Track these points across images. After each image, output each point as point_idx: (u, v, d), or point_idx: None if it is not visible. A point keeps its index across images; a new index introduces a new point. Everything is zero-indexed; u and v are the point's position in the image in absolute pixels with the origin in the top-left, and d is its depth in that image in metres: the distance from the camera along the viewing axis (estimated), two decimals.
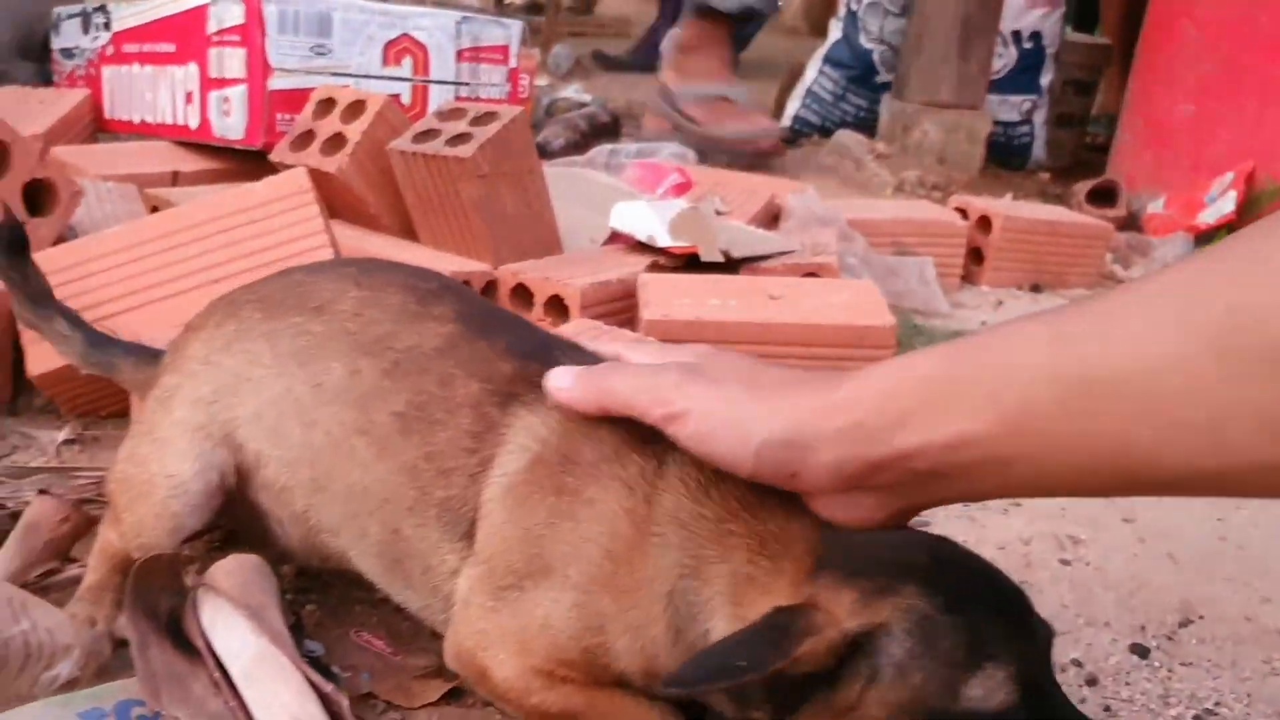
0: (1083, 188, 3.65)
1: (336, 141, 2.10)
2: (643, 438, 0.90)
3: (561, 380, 0.93)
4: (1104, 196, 3.61)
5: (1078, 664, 1.25)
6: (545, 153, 4.42)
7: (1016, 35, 4.36)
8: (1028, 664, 0.80)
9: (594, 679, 0.94)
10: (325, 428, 1.01)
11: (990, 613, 0.82)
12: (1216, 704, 1.20)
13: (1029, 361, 0.73)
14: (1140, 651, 1.29)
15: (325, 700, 0.86)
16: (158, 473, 1.05)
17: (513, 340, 1.01)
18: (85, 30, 2.79)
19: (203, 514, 1.06)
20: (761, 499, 0.88)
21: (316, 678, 0.87)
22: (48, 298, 1.29)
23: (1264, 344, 0.63)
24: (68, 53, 2.89)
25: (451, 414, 0.97)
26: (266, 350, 1.04)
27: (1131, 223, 3.58)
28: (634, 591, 0.89)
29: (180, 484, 1.05)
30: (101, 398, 1.55)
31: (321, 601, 1.20)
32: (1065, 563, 1.48)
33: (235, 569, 1.00)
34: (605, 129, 4.10)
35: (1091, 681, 1.22)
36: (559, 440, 0.93)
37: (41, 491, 1.23)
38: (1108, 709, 1.18)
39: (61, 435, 1.52)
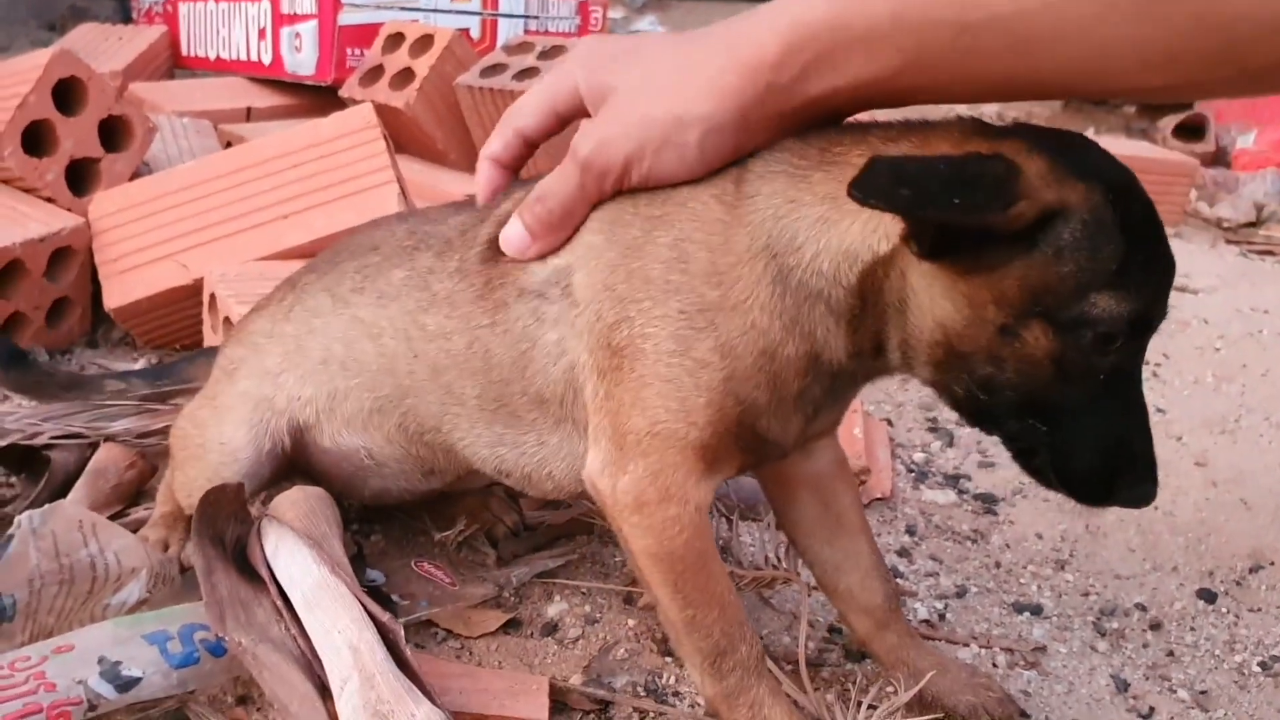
0: (1169, 122, 3.53)
1: (405, 77, 2.10)
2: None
3: (512, 237, 0.94)
4: (1192, 131, 3.49)
5: (1142, 608, 1.24)
6: None
7: None
8: (1148, 321, 0.80)
9: (719, 434, 0.87)
10: (392, 328, 1.01)
11: (1150, 253, 0.79)
12: None
13: (918, 5, 0.77)
14: (1207, 597, 1.27)
15: (381, 628, 0.88)
16: (213, 438, 1.08)
17: None
18: None
19: (252, 482, 1.07)
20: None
21: (374, 607, 0.89)
22: (79, 377, 1.35)
23: None
24: None
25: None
26: (327, 300, 1.06)
27: (1220, 158, 3.46)
28: (735, 266, 0.84)
29: (232, 451, 1.07)
30: (177, 331, 1.59)
31: (386, 532, 1.23)
32: None
33: (300, 499, 1.02)
34: None
35: (1155, 626, 1.21)
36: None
37: (108, 438, 1.27)
38: (1171, 654, 1.16)
39: (138, 368, 1.56)
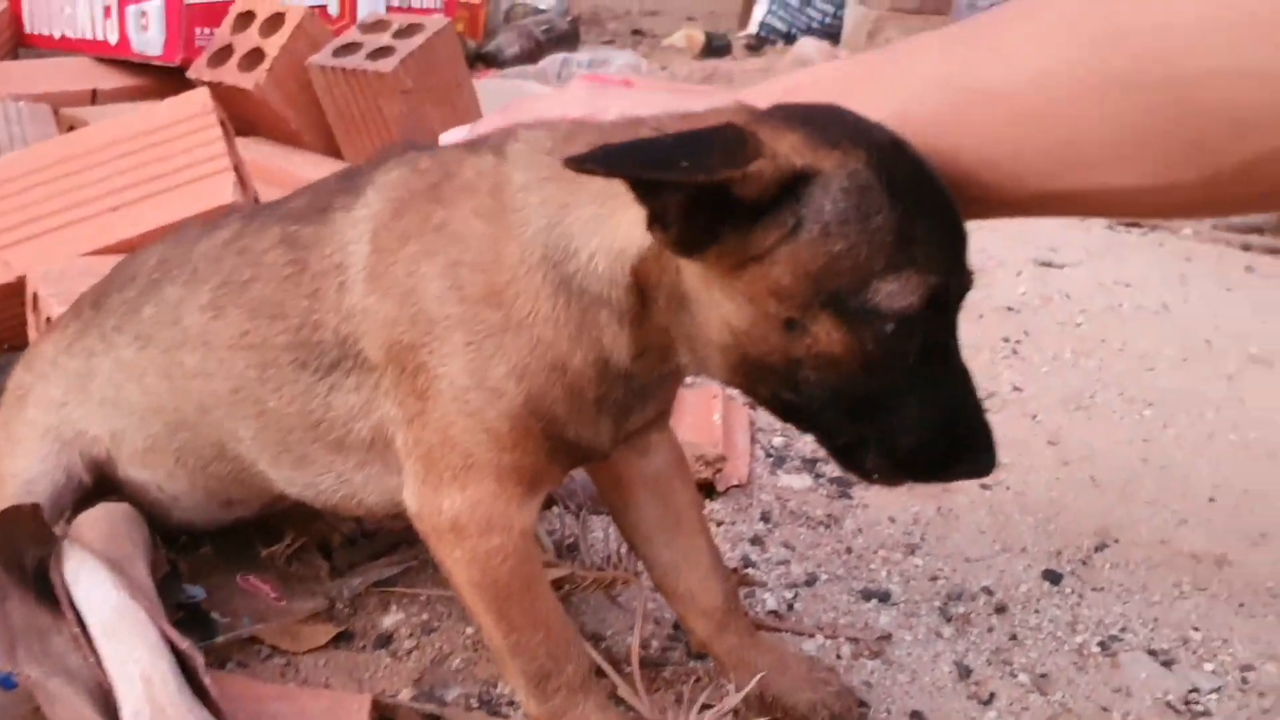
0: None
1: (254, 57, 2.02)
2: (471, 150, 0.86)
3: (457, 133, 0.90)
4: None
5: (988, 592, 1.24)
6: (497, 61, 4.27)
7: None
8: (946, 290, 0.74)
9: (530, 452, 0.84)
10: (154, 368, 0.98)
11: (932, 219, 0.74)
12: (1122, 630, 1.19)
13: (921, 67, 0.78)
14: (1052, 578, 1.28)
15: (181, 656, 0.83)
16: (6, 470, 1.04)
17: (306, 191, 0.97)
18: None
19: (51, 513, 1.01)
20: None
21: (173, 634, 0.84)
22: None
23: (1132, 65, 0.65)
24: None
25: (259, 265, 0.92)
26: (97, 339, 1.02)
27: None
28: (512, 283, 0.81)
29: (26, 484, 1.03)
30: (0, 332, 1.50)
31: (215, 546, 1.18)
32: (985, 488, 1.46)
33: (103, 517, 0.96)
34: (563, 37, 4.00)
35: (1000, 609, 1.21)
36: (387, 204, 0.87)
37: None
38: (1014, 637, 1.17)
39: None
